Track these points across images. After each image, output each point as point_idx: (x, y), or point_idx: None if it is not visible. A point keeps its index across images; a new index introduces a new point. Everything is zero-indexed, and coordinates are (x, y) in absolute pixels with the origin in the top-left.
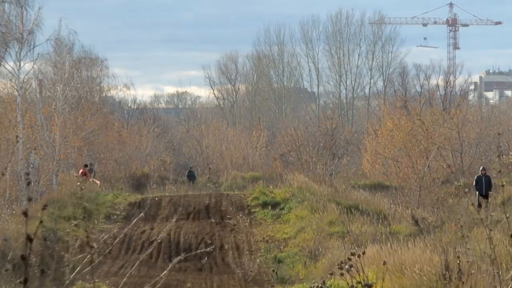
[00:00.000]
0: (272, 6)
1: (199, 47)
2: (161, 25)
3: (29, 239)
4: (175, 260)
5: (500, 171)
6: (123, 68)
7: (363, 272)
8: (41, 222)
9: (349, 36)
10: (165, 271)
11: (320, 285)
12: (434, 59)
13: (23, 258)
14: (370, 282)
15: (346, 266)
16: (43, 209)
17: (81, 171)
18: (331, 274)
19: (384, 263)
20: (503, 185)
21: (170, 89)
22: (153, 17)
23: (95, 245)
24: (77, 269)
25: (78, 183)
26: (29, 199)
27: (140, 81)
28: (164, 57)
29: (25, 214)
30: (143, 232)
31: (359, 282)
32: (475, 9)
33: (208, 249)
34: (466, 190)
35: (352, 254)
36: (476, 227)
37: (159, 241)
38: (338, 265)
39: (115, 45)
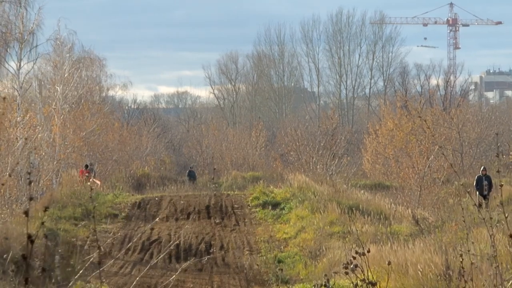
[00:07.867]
0: (272, 6)
1: (197, 46)
2: (155, 25)
3: (31, 239)
4: (185, 264)
5: (498, 171)
6: (117, 68)
7: (368, 271)
8: (42, 223)
9: (350, 36)
10: (173, 276)
11: (324, 283)
12: (434, 59)
13: (25, 258)
14: (373, 281)
15: (351, 266)
16: (45, 210)
17: (81, 171)
18: (336, 273)
19: (389, 263)
20: (501, 185)
21: (165, 89)
22: (147, 16)
23: (101, 248)
24: (82, 270)
25: (89, 183)
26: (31, 199)
27: (134, 81)
28: (158, 57)
29: (26, 214)
30: (143, 232)
31: (363, 280)
32: (475, 9)
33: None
34: (469, 190)
35: (357, 253)
36: (476, 227)
37: (178, 242)
38: (343, 264)
39: (108, 45)
